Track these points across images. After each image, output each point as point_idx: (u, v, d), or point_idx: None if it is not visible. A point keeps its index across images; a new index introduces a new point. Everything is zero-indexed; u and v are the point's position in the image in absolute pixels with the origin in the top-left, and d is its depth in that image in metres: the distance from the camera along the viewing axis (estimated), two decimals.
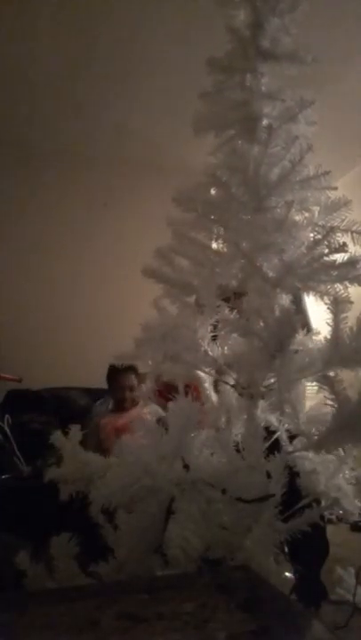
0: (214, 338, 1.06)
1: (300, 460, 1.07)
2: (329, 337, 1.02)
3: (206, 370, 1.08)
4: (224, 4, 1.19)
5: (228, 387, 1.19)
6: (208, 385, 1.22)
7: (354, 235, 1.10)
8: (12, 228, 3.52)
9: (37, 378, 2.85)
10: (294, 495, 1.04)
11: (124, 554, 0.99)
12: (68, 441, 1.14)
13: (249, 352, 1.03)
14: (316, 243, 1.06)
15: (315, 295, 1.08)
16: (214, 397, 1.23)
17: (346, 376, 0.97)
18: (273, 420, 1.11)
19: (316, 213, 1.15)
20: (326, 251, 1.05)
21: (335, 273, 1.06)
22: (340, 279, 1.06)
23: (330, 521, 1.15)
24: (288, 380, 0.98)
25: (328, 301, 1.05)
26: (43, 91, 3.09)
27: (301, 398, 1.04)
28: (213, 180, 1.17)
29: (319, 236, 1.07)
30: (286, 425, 1.08)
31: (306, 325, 1.14)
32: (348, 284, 1.06)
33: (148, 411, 2.19)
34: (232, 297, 1.13)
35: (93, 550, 1.04)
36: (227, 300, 1.12)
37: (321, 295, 1.07)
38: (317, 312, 1.21)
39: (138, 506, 0.98)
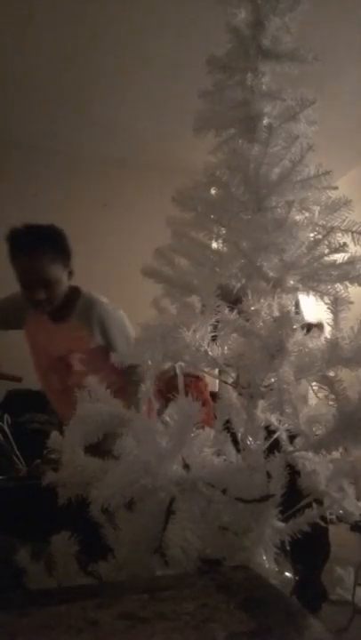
0: (214, 338, 1.06)
1: (301, 460, 1.07)
2: (329, 337, 1.02)
3: (206, 370, 1.08)
4: (224, 2, 1.19)
5: (229, 386, 1.19)
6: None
7: (354, 235, 1.10)
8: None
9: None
10: (295, 495, 1.04)
11: (123, 554, 0.99)
12: (66, 442, 1.13)
13: (249, 352, 1.03)
14: (317, 243, 1.06)
15: (315, 295, 1.09)
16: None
17: (346, 376, 0.97)
18: (273, 419, 1.11)
19: (317, 213, 1.15)
20: (327, 251, 1.06)
21: (335, 273, 1.06)
22: (341, 279, 1.06)
23: (330, 521, 1.15)
24: (288, 380, 0.98)
25: (328, 301, 1.05)
26: (42, 91, 3.10)
27: (302, 398, 1.04)
28: (213, 180, 1.17)
29: (319, 236, 1.07)
30: (286, 425, 1.08)
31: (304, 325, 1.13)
32: (348, 284, 1.06)
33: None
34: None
35: (93, 550, 1.04)
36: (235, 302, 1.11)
37: (321, 295, 1.07)
38: (318, 312, 1.21)
39: (138, 506, 0.97)
